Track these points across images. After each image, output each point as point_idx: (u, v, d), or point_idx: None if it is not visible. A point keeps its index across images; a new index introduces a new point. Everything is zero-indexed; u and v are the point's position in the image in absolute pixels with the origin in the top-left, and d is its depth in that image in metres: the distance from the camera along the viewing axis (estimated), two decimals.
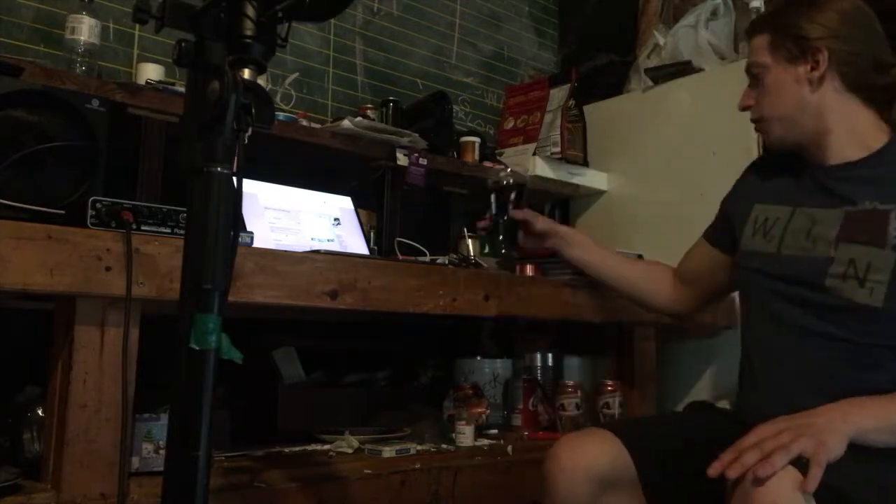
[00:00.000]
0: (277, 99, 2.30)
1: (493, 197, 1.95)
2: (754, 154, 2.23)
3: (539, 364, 2.21)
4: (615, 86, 2.80)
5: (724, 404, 1.83)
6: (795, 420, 1.11)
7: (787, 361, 1.30)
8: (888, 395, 1.17)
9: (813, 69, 1.30)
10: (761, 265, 1.37)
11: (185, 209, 1.12)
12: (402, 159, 2.15)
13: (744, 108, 1.43)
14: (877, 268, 1.20)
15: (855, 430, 1.09)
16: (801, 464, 1.03)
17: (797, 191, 1.36)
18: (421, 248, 2.16)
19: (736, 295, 1.61)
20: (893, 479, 1.13)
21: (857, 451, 1.10)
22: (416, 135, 2.19)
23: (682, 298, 1.64)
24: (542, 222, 1.75)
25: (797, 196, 1.36)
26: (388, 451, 1.62)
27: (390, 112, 2.35)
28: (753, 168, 1.52)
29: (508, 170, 2.03)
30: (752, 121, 1.42)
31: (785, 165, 1.41)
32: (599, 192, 2.71)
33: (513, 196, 1.93)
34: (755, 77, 1.39)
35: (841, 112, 1.31)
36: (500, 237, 1.93)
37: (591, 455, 1.29)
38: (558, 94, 2.61)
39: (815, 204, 1.32)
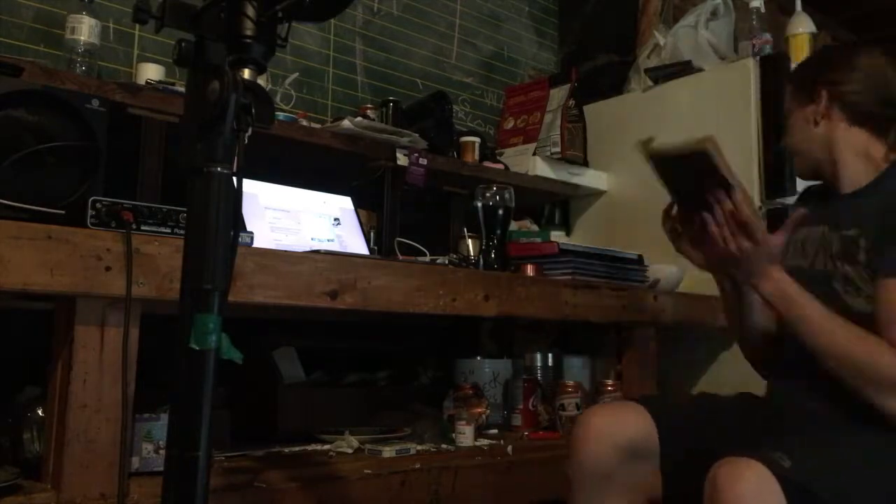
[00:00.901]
0: (277, 99, 2.30)
1: (480, 216, 1.99)
2: (754, 154, 2.27)
3: (539, 364, 2.21)
4: (615, 86, 2.80)
5: None
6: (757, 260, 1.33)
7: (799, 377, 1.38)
8: (818, 307, 1.30)
9: (818, 109, 1.47)
10: (797, 277, 1.47)
11: (185, 209, 1.12)
12: (402, 159, 2.15)
13: (783, 146, 1.62)
14: (862, 280, 1.35)
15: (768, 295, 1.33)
16: (767, 458, 1.08)
17: (825, 214, 1.50)
18: (421, 248, 2.16)
19: None
20: (859, 472, 1.16)
21: (822, 446, 1.17)
22: (416, 135, 2.19)
23: None
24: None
25: (824, 218, 1.49)
26: (388, 451, 1.62)
27: (390, 112, 2.34)
28: (803, 196, 1.67)
29: (494, 188, 2.05)
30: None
31: (821, 195, 1.58)
32: (599, 192, 2.71)
33: (500, 213, 1.99)
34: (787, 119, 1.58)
35: (847, 144, 1.45)
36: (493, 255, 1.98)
37: (621, 424, 1.37)
38: (558, 94, 2.61)
39: (831, 226, 1.46)
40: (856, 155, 1.45)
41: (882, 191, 1.40)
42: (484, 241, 2.07)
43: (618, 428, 1.36)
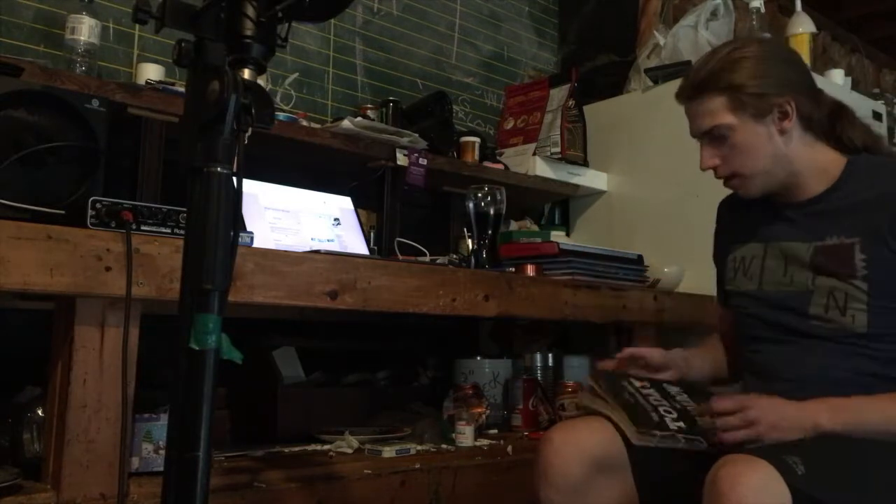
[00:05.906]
0: (277, 99, 2.30)
1: (472, 216, 1.99)
2: None
3: (539, 364, 2.21)
4: (615, 86, 2.80)
5: None
6: (777, 409, 1.18)
7: (781, 386, 1.30)
8: (868, 399, 1.19)
9: (781, 120, 1.31)
10: (749, 303, 1.41)
11: (185, 209, 1.12)
12: (402, 159, 2.15)
13: (708, 168, 1.40)
14: (853, 297, 1.27)
15: (816, 433, 1.16)
16: (777, 458, 1.04)
17: (767, 227, 1.41)
18: (421, 248, 2.16)
19: None
20: (871, 486, 1.12)
21: (839, 457, 1.12)
22: (416, 135, 2.19)
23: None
24: (657, 357, 1.49)
25: (768, 232, 1.40)
26: (388, 451, 1.62)
27: (390, 112, 2.35)
28: (723, 213, 1.56)
29: (486, 188, 2.04)
30: (721, 177, 1.40)
31: (752, 204, 1.43)
32: (599, 192, 2.71)
33: (492, 214, 1.98)
34: (717, 138, 1.36)
35: (805, 153, 1.34)
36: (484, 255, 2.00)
37: (585, 439, 1.31)
38: (558, 94, 2.61)
39: (785, 238, 1.37)
40: (812, 163, 1.35)
41: (847, 191, 1.31)
42: (475, 241, 2.05)
43: (583, 442, 1.30)
